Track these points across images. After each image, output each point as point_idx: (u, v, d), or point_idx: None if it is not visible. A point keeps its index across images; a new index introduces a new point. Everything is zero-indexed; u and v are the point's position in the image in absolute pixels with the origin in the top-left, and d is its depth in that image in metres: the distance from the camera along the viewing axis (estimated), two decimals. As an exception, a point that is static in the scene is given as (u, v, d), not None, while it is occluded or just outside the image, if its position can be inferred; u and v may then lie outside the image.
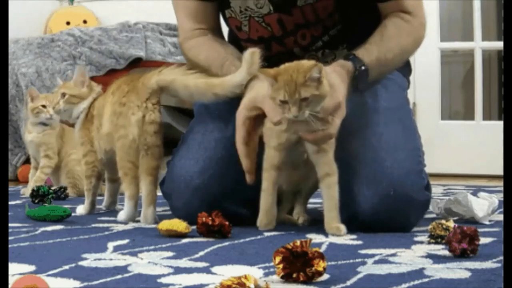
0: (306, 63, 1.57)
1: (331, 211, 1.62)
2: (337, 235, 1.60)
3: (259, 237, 1.59)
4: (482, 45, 3.87)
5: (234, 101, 1.69)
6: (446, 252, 1.37)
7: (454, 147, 3.80)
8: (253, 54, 1.66)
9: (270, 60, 1.71)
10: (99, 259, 1.32)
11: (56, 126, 2.71)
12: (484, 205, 1.84)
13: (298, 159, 1.67)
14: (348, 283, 1.13)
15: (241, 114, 1.66)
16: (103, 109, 1.91)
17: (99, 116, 1.94)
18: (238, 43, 1.93)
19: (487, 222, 1.82)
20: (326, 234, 1.62)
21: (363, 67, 1.68)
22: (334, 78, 1.60)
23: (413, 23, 1.80)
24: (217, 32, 1.95)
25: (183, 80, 1.77)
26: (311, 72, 1.52)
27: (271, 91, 1.56)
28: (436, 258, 1.33)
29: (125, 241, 1.53)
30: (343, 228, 1.61)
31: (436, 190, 2.73)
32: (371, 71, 1.70)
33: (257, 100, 1.64)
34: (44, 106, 2.64)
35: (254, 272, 1.20)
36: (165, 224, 1.60)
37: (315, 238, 1.57)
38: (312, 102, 1.53)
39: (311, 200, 1.93)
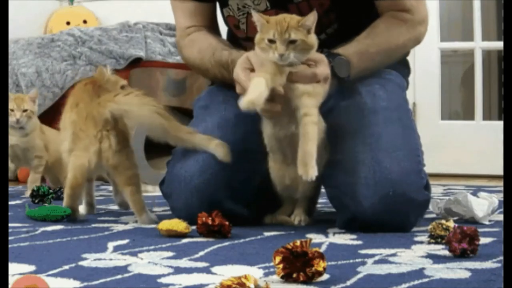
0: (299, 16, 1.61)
1: (305, 145, 1.56)
2: (303, 178, 1.56)
3: (259, 237, 1.59)
4: (482, 45, 3.86)
5: (233, 101, 1.69)
6: (446, 252, 1.37)
7: (454, 147, 3.80)
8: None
9: None
10: (99, 259, 1.32)
11: (35, 128, 2.59)
12: (484, 205, 1.84)
13: (289, 154, 1.66)
14: (348, 283, 1.13)
15: (239, 68, 1.65)
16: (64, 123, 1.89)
17: (63, 130, 1.90)
18: (238, 42, 1.94)
19: (487, 222, 1.82)
20: (326, 234, 1.62)
21: (337, 56, 1.69)
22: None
23: (411, 21, 1.80)
24: (214, 31, 1.96)
25: (138, 113, 1.78)
26: (307, 18, 1.57)
27: (261, 33, 1.59)
28: (436, 258, 1.33)
29: (125, 241, 1.52)
30: (312, 172, 1.54)
31: (436, 190, 2.73)
32: (352, 62, 1.71)
33: (247, 56, 1.65)
34: (12, 110, 2.49)
35: (254, 272, 1.20)
36: (165, 224, 1.60)
37: (315, 238, 1.56)
38: (299, 47, 1.56)
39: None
